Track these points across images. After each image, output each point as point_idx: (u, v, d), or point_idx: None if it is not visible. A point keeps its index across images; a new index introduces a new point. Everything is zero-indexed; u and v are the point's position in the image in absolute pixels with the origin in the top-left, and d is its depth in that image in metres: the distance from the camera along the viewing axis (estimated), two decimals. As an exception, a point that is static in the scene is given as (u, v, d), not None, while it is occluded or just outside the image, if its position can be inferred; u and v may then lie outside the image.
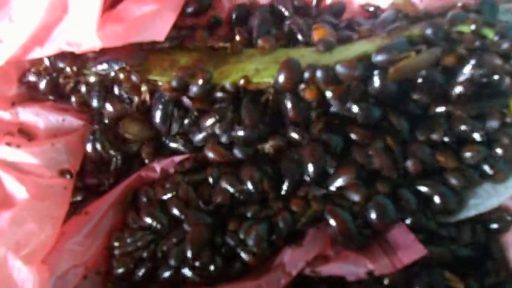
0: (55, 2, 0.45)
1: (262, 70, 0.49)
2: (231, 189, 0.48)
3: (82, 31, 0.45)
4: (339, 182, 0.47)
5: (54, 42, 0.47)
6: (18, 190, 0.47)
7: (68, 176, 0.51)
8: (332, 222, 0.45)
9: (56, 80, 0.53)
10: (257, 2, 0.56)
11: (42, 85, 0.54)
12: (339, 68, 0.46)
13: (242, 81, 0.48)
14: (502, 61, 0.45)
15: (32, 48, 0.48)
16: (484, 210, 0.48)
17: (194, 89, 0.49)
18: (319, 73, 0.46)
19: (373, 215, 0.45)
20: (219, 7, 0.57)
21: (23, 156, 0.50)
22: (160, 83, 0.50)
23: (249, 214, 0.48)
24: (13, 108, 0.53)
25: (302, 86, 0.47)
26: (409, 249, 0.45)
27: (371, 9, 0.56)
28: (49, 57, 0.51)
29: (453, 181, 0.47)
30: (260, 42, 0.51)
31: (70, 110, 0.55)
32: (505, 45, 0.45)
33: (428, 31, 0.46)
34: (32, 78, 0.54)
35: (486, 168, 0.47)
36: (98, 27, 0.44)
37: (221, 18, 0.56)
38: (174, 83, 0.49)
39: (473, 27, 0.46)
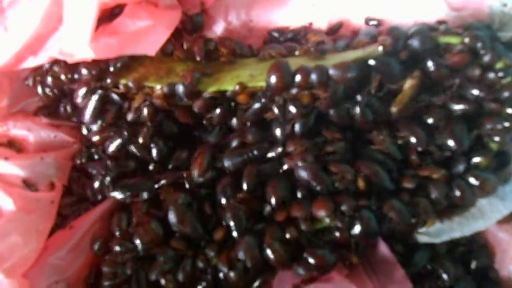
0: (51, 12, 0.46)
1: (257, 76, 0.49)
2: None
3: (76, 42, 0.45)
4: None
5: (47, 52, 0.47)
6: (4, 201, 0.47)
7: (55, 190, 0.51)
8: (311, 260, 0.45)
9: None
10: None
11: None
12: (333, 71, 0.45)
13: (237, 87, 0.48)
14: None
15: (26, 57, 0.48)
16: (470, 233, 0.48)
17: (180, 89, 0.49)
18: (313, 76, 0.45)
19: (357, 230, 0.45)
20: (213, 26, 0.58)
21: (10, 168, 0.49)
22: (157, 90, 0.50)
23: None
24: (4, 121, 0.53)
25: (294, 91, 0.47)
26: (397, 283, 0.45)
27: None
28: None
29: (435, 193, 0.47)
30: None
31: (62, 127, 0.55)
32: (486, 58, 0.45)
33: (415, 43, 0.46)
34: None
35: (472, 179, 0.47)
36: (92, 38, 0.45)
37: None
38: (165, 89, 0.49)
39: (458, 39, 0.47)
